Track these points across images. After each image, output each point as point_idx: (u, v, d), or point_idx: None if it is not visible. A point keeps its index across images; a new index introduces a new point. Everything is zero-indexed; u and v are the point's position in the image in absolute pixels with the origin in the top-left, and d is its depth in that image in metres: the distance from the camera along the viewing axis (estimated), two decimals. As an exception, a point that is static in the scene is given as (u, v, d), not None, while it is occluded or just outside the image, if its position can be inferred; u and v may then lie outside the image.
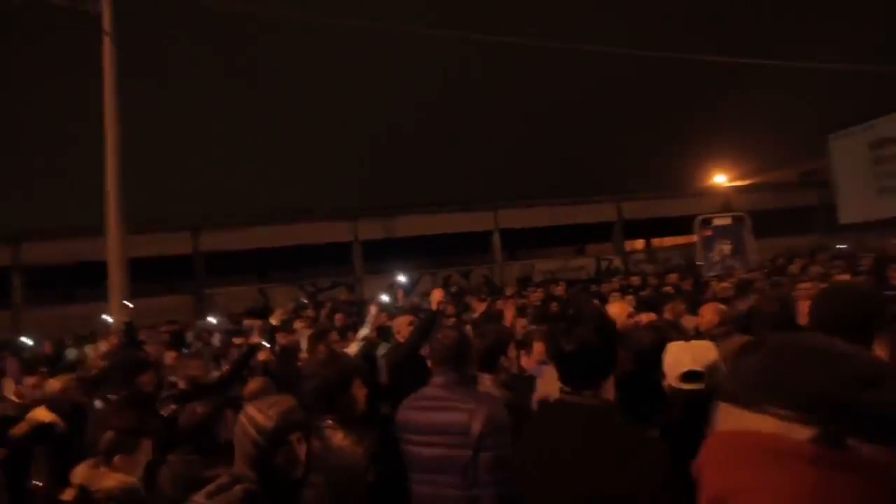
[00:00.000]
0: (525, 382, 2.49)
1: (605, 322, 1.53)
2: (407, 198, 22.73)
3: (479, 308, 7.18)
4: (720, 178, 28.64)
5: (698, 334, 2.72)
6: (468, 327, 4.26)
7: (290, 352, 3.76)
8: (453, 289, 11.82)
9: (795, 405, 0.44)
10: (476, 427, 1.85)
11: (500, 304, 6.61)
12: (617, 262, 18.63)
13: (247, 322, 7.89)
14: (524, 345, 3.06)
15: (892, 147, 19.28)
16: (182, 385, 2.85)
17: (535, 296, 7.77)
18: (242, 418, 1.47)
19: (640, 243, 24.40)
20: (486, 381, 2.39)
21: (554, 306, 5.68)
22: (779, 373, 0.47)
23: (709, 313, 2.77)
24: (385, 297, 10.41)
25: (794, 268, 9.14)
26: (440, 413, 1.98)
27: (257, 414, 1.44)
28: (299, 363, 3.55)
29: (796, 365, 0.47)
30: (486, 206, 18.87)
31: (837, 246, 15.85)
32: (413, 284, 13.77)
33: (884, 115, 19.44)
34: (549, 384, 2.10)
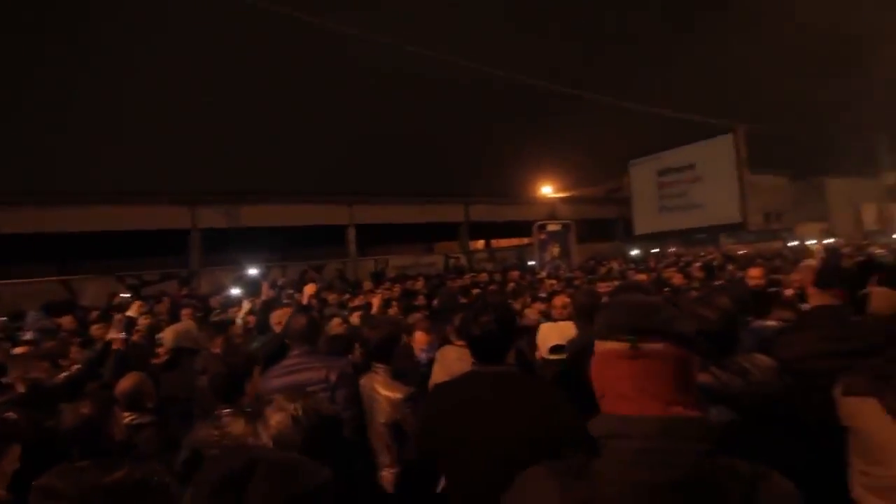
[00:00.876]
0: (414, 368, 2.75)
1: (505, 310, 1.88)
2: (255, 185, 21.10)
3: (333, 300, 7.25)
4: (547, 189, 32.73)
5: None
6: (354, 317, 4.36)
7: (146, 346, 3.40)
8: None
9: (619, 332, 0.87)
10: (332, 376, 2.33)
11: (365, 297, 6.76)
12: (463, 259, 20.07)
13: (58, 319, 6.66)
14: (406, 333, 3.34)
15: (671, 175, 24.59)
16: (20, 388, 2.41)
17: (396, 289, 8.10)
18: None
19: (480, 243, 26.56)
20: (381, 371, 2.52)
21: (420, 299, 6.07)
22: (614, 317, 0.91)
23: (559, 302, 3.39)
24: (236, 291, 9.67)
25: (602, 269, 11.13)
26: (300, 374, 2.38)
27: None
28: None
29: (621, 312, 0.91)
30: (341, 201, 18.62)
31: (633, 252, 19.53)
32: (263, 278, 12.96)
33: (667, 149, 24.65)
34: (449, 364, 2.40)
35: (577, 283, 7.72)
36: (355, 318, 4.88)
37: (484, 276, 9.66)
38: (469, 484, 1.57)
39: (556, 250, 11.71)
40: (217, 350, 3.40)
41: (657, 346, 0.81)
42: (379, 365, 2.50)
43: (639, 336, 0.82)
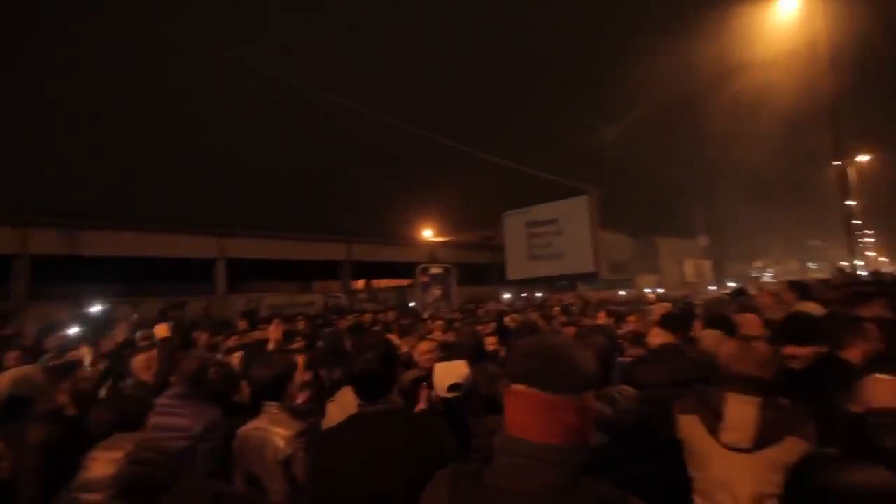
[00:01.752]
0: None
1: (387, 348, 1.93)
2: (103, 210, 18.56)
3: (203, 341, 6.63)
4: (428, 233, 33.88)
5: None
6: (235, 356, 4.06)
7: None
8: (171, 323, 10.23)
9: (523, 379, 1.03)
10: (198, 427, 2.34)
11: (241, 337, 6.27)
12: (343, 299, 19.62)
13: None
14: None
15: (539, 227, 27.29)
16: None
17: (275, 327, 7.63)
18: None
19: (360, 283, 26.27)
20: (273, 410, 2.42)
21: (298, 342, 5.79)
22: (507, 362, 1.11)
23: (425, 347, 3.57)
24: (74, 330, 8.27)
25: (479, 311, 11.75)
26: (165, 417, 2.37)
27: None
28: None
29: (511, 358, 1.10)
30: (210, 232, 17.19)
31: (504, 295, 20.90)
32: (108, 316, 11.23)
33: (535, 203, 27.46)
34: (347, 405, 2.40)
35: (457, 324, 8.06)
36: (235, 360, 4.55)
37: (368, 317, 9.58)
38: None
39: (437, 292, 12.16)
40: (62, 398, 2.93)
41: (520, 388, 1.01)
42: (271, 403, 2.40)
43: (511, 380, 1.04)
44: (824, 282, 8.50)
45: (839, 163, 13.14)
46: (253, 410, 2.47)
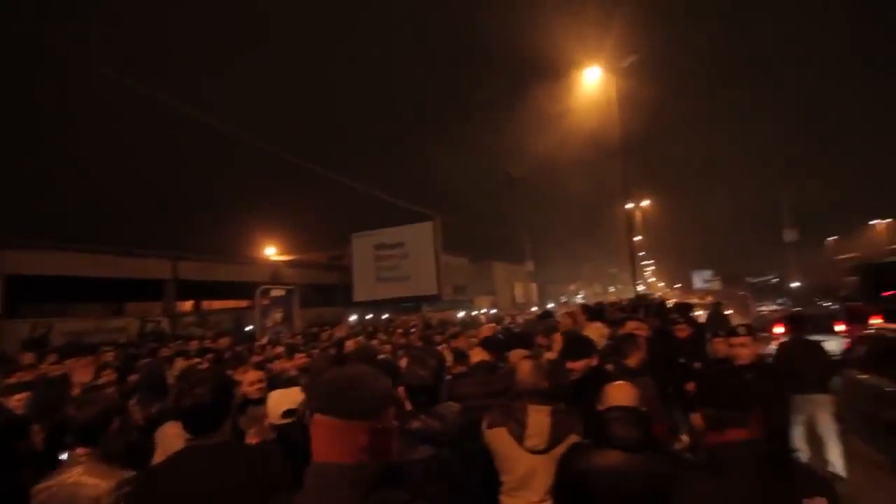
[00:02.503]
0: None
1: (220, 380, 1.89)
2: None
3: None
4: (271, 251, 31.94)
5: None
6: (13, 401, 3.43)
7: None
8: None
9: (318, 409, 1.14)
10: None
11: (23, 373, 5.23)
12: (165, 323, 17.28)
13: None
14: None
15: (386, 250, 27.84)
16: None
17: (73, 363, 6.47)
18: None
19: (187, 305, 23.49)
20: (84, 458, 2.17)
21: (106, 375, 5.05)
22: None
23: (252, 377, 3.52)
24: None
25: (324, 335, 11.52)
26: None
27: None
28: None
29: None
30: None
31: (352, 317, 20.73)
32: None
33: (382, 227, 28.04)
34: (169, 443, 2.28)
35: (301, 349, 7.85)
36: (14, 403, 3.82)
37: (195, 344, 8.67)
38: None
39: (278, 315, 11.57)
40: None
41: (318, 417, 1.13)
42: (81, 450, 2.14)
43: (311, 411, 1.17)
44: (613, 304, 10.43)
45: (628, 205, 16.24)
46: (48, 460, 2.19)
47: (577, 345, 2.93)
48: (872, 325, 7.18)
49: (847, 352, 5.99)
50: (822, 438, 4.19)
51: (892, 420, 4.31)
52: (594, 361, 2.91)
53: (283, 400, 2.56)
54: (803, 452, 4.14)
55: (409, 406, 2.09)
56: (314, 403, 1.15)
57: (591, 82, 13.46)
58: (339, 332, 11.58)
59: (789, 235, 25.67)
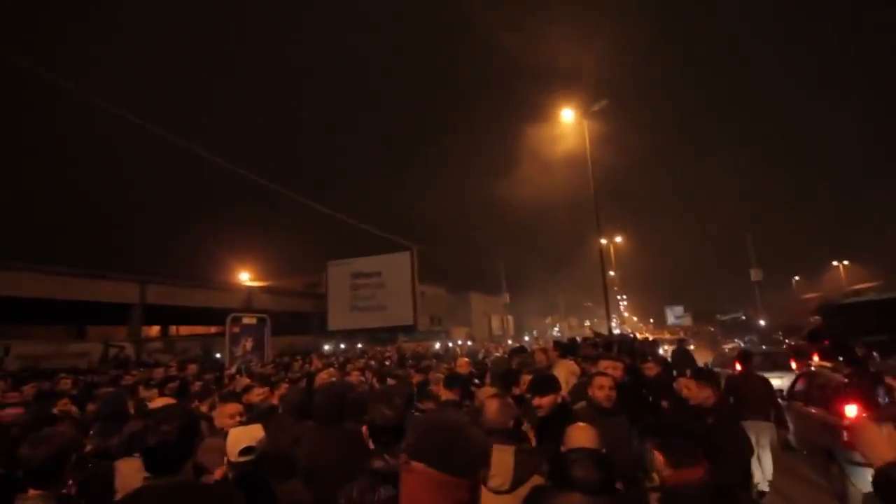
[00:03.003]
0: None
1: (187, 419, 1.87)
2: None
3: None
4: (244, 277, 31.37)
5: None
6: None
7: None
8: None
9: (422, 460, 1.17)
10: None
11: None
12: (129, 349, 16.64)
13: None
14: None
15: (363, 279, 27.67)
16: None
17: (30, 390, 6.18)
18: None
19: (154, 330, 22.75)
20: (37, 501, 2.07)
21: (65, 403, 4.82)
22: None
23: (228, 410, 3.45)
24: None
25: (296, 364, 11.27)
26: None
27: None
28: None
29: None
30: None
31: (325, 347, 20.32)
32: None
33: (359, 256, 27.97)
34: (127, 476, 2.22)
35: (273, 379, 7.67)
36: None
37: (160, 372, 8.38)
38: None
39: (249, 344, 11.29)
40: None
41: (419, 466, 1.12)
42: (34, 493, 2.04)
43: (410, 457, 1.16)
44: (587, 339, 10.56)
45: (602, 241, 16.64)
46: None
47: (543, 381, 2.99)
48: (812, 363, 8.10)
49: (791, 386, 6.58)
50: (760, 457, 4.91)
51: (827, 446, 4.97)
52: (559, 399, 2.96)
53: (244, 437, 2.50)
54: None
55: (371, 445, 2.09)
56: (417, 451, 1.11)
57: (565, 123, 14.02)
58: (315, 365, 11.36)
59: (755, 275, 26.57)
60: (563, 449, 2.07)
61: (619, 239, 37.42)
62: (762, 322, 26.42)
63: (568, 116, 13.95)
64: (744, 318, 34.98)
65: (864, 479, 4.39)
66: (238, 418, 3.00)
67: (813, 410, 5.50)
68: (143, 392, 5.86)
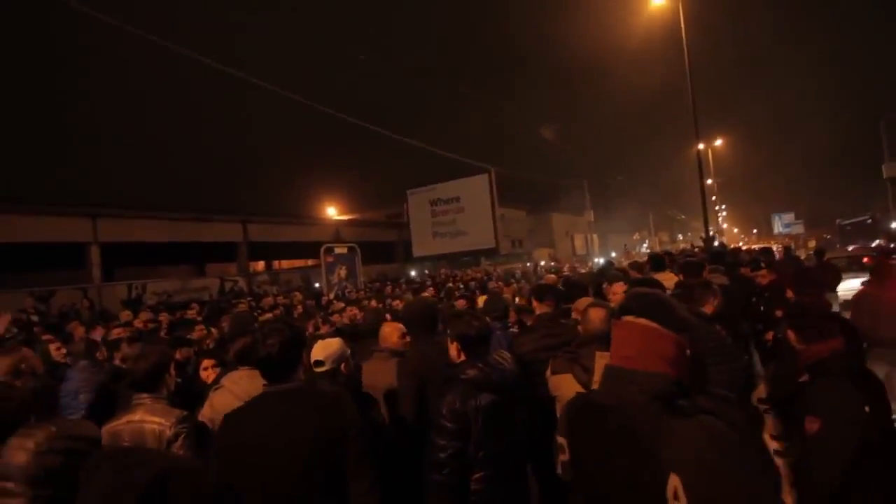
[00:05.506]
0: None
1: (290, 332, 1.97)
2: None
3: (80, 334, 6.09)
4: (331, 211, 33.03)
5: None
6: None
7: None
8: (33, 316, 9.06)
9: (635, 311, 1.34)
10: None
11: (124, 329, 5.83)
12: (241, 282, 18.59)
13: None
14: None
15: (442, 206, 27.85)
16: None
17: (162, 318, 7.17)
18: None
19: (260, 265, 25.06)
20: (147, 401, 2.36)
21: (200, 329, 5.52)
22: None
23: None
24: None
25: (388, 289, 11.93)
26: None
27: None
28: None
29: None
30: (80, 213, 15.25)
31: (412, 273, 21.20)
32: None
33: (438, 182, 27.92)
34: (233, 388, 2.46)
35: (365, 303, 8.18)
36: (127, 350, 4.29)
37: (269, 300, 9.29)
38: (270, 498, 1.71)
39: (343, 272, 12.05)
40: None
41: (629, 319, 1.26)
42: (144, 395, 2.36)
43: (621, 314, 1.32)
44: (682, 252, 9.92)
45: (699, 146, 15.08)
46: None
47: (642, 285, 2.81)
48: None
49: None
50: None
51: None
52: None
53: (318, 349, 2.63)
54: None
55: (463, 357, 2.11)
56: (631, 307, 1.23)
57: (655, 7, 12.26)
58: (402, 289, 11.92)
59: (889, 170, 22.78)
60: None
61: (718, 142, 33.78)
62: (895, 224, 23.04)
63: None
64: (870, 221, 30.66)
65: None
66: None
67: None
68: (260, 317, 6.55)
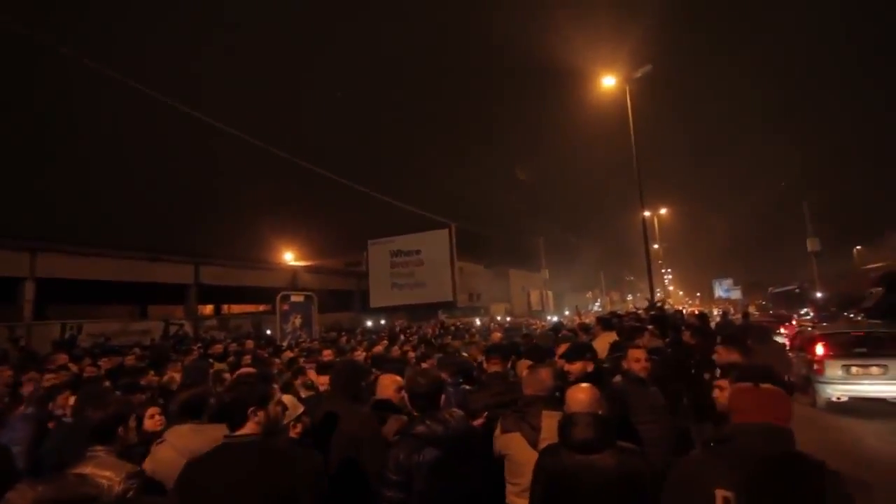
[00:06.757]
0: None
1: (251, 382, 2.17)
2: None
3: (5, 379, 5.69)
4: (289, 256, 32.49)
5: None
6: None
7: None
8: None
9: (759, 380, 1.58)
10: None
11: (58, 374, 5.51)
12: (188, 326, 17.73)
13: None
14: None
15: (402, 257, 28.13)
16: None
17: (104, 363, 6.79)
18: None
19: (208, 308, 24.04)
20: (101, 454, 2.31)
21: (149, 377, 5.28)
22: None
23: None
24: None
25: (342, 340, 11.75)
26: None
27: None
28: None
29: None
30: (17, 246, 14.41)
31: (368, 323, 20.94)
32: None
33: (399, 234, 28.35)
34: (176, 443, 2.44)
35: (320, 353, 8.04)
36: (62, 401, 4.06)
37: (219, 347, 8.96)
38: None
39: (298, 321, 11.85)
40: None
41: (761, 386, 1.52)
42: (98, 447, 2.31)
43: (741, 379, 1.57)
44: (628, 314, 10.46)
45: (644, 213, 16.19)
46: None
47: (573, 349, 3.06)
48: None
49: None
50: None
51: (807, 376, 8.27)
52: (590, 366, 3.02)
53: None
54: None
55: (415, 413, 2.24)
56: (758, 377, 1.51)
57: (606, 91, 13.54)
58: (357, 339, 11.77)
59: (812, 245, 25.08)
60: (563, 410, 2.14)
61: (663, 211, 36.19)
62: (818, 294, 25.07)
63: (610, 83, 13.46)
64: (798, 290, 33.24)
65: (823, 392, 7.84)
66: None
67: (801, 354, 8.80)
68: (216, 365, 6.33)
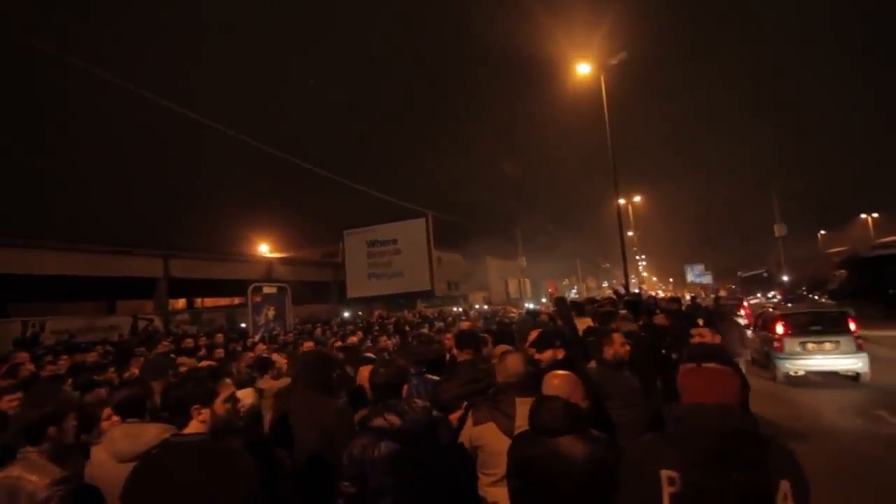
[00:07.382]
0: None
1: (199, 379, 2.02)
2: None
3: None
4: (264, 248, 31.87)
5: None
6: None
7: None
8: None
9: (710, 360, 1.53)
10: None
11: (18, 374, 5.24)
12: (157, 321, 17.22)
13: None
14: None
15: (379, 247, 27.83)
16: None
17: (64, 362, 6.49)
18: None
19: (180, 302, 23.44)
20: (31, 456, 2.18)
21: (110, 372, 5.06)
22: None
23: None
24: None
25: (318, 331, 11.57)
26: None
27: None
28: None
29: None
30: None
31: (345, 314, 20.73)
32: None
33: (376, 224, 28.03)
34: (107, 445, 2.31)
35: (291, 347, 7.89)
36: (5, 404, 3.84)
37: (189, 342, 8.67)
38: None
39: (271, 313, 11.59)
40: None
41: (709, 366, 1.48)
42: (30, 448, 2.17)
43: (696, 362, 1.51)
44: (605, 299, 10.59)
45: (620, 201, 16.35)
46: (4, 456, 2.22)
47: (545, 336, 3.02)
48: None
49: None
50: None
51: (767, 353, 9.13)
52: (560, 354, 2.97)
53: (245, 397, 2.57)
54: None
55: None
56: (701, 356, 1.49)
57: (582, 79, 13.53)
58: (332, 330, 11.60)
59: (779, 230, 25.88)
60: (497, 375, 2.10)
61: (637, 198, 36.72)
62: (785, 278, 25.93)
63: (585, 70, 13.44)
64: (766, 274, 34.45)
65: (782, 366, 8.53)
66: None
67: (762, 333, 9.78)
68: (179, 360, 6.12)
